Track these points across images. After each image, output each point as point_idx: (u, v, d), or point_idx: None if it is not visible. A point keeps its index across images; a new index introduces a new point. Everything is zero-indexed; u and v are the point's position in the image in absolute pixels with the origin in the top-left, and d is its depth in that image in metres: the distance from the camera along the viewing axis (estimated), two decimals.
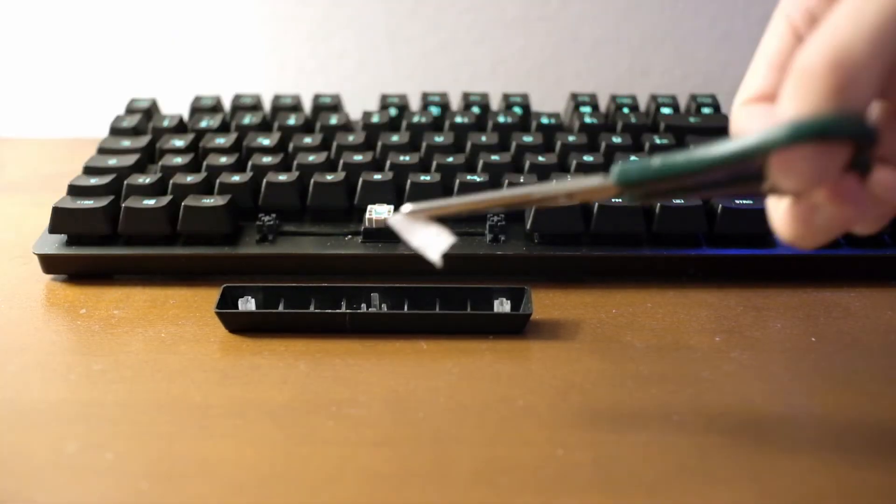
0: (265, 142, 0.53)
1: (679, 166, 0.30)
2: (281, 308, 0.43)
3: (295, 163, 0.51)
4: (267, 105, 0.61)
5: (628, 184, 0.31)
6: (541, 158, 0.51)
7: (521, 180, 0.49)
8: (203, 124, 0.56)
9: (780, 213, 0.32)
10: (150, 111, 0.59)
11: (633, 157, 0.51)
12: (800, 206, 0.31)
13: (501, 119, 0.56)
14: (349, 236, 0.48)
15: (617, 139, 0.54)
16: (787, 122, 0.28)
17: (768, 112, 0.31)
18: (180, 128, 0.57)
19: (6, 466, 0.34)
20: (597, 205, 0.47)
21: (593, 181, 0.32)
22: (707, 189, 0.32)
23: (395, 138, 0.54)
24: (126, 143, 0.54)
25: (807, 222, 0.31)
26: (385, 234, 0.47)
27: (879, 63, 0.27)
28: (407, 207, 0.34)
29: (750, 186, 0.30)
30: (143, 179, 0.50)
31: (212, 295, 0.43)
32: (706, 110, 0.58)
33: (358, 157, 0.51)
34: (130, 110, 0.59)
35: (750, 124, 0.32)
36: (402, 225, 0.35)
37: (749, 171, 0.29)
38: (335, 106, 0.59)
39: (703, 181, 0.30)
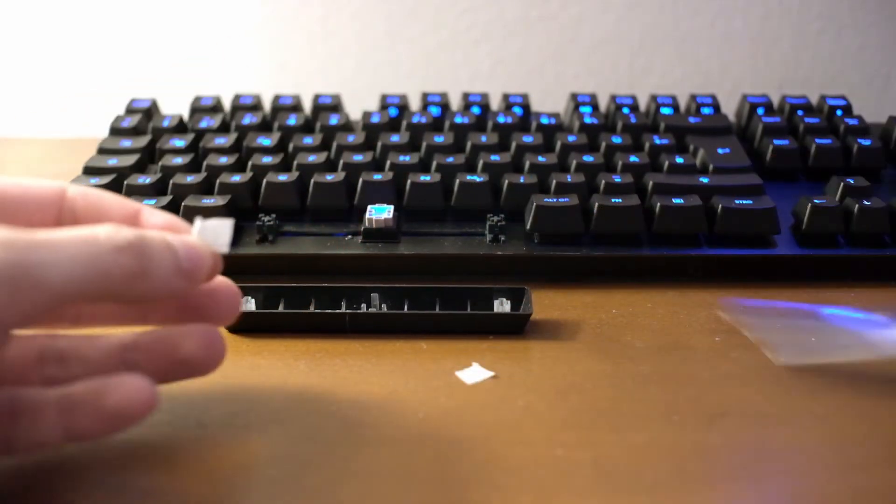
0: (265, 142, 0.53)
1: None
2: (281, 308, 0.43)
3: (295, 163, 0.51)
4: (267, 105, 0.61)
5: None
6: (541, 158, 0.51)
7: (522, 180, 0.49)
8: (203, 124, 0.56)
9: None
10: (150, 111, 0.59)
11: None
12: None
13: (501, 119, 0.56)
14: (349, 236, 0.48)
15: (617, 139, 0.54)
16: None
17: None
18: (180, 128, 0.57)
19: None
20: (597, 205, 0.47)
21: None
22: None
23: (395, 138, 0.54)
24: (126, 143, 0.54)
25: None
26: (385, 233, 0.47)
27: None
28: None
29: None
30: (144, 179, 0.50)
31: None
32: (706, 110, 0.58)
33: (358, 157, 0.51)
34: (130, 110, 0.59)
35: None
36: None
37: None
38: (335, 106, 0.59)
39: None
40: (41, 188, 0.34)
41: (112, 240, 0.30)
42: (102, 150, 0.54)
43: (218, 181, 0.49)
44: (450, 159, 0.51)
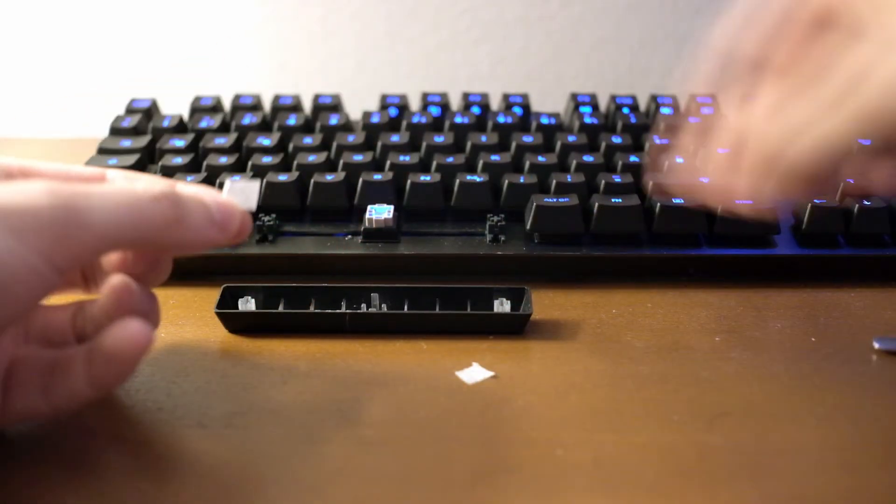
0: (265, 142, 0.53)
1: None
2: (281, 308, 0.43)
3: (295, 163, 0.51)
4: (267, 105, 0.61)
5: None
6: (541, 158, 0.51)
7: (522, 180, 0.49)
8: (203, 124, 0.56)
9: None
10: (150, 111, 0.59)
11: None
12: None
13: (501, 119, 0.56)
14: (349, 236, 0.48)
15: (617, 139, 0.54)
16: None
17: None
18: (180, 128, 0.57)
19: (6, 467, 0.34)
20: (597, 205, 0.47)
21: None
22: None
23: (395, 138, 0.54)
24: (126, 143, 0.54)
25: None
26: (385, 233, 0.47)
27: None
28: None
29: None
30: None
31: (212, 295, 0.43)
32: (706, 110, 0.58)
33: (358, 157, 0.51)
34: (130, 110, 0.59)
35: None
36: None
37: None
38: (335, 106, 0.59)
39: None
40: (84, 169, 0.38)
41: (149, 191, 0.32)
42: (102, 150, 0.54)
43: (218, 181, 0.49)
44: (450, 159, 0.51)
